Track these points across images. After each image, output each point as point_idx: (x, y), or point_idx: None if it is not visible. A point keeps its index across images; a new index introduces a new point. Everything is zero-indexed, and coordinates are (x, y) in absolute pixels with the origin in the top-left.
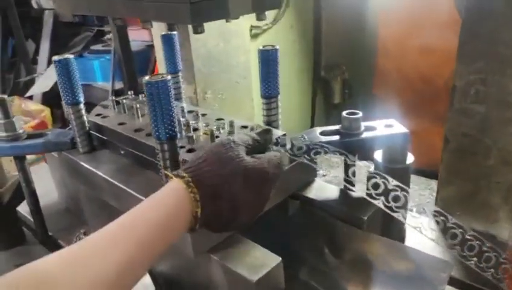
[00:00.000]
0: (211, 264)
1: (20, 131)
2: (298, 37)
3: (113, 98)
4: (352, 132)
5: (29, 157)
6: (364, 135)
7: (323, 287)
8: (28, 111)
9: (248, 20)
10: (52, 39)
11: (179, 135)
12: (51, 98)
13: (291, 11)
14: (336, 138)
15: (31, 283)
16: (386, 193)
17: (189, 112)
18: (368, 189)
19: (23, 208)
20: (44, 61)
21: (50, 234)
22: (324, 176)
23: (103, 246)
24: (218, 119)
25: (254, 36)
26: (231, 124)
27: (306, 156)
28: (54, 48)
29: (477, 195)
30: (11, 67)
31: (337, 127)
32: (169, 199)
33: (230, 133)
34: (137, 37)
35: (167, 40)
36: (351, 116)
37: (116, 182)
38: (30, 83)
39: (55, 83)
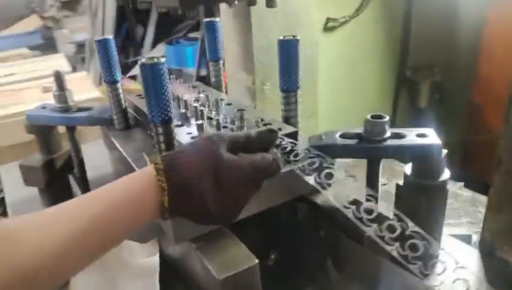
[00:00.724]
0: (191, 253)
1: (71, 104)
2: (383, 33)
3: None
4: (375, 137)
5: None
6: (388, 142)
7: None
8: (127, 90)
9: (323, 11)
10: (158, 25)
11: (173, 119)
12: None
13: (376, 3)
14: (354, 142)
15: None
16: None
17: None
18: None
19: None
20: (149, 45)
21: None
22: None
23: (60, 216)
24: (240, 110)
25: (330, 29)
26: (241, 116)
27: (301, 165)
28: (158, 33)
29: None
30: (123, 49)
31: (359, 130)
32: (135, 182)
33: (240, 127)
34: None
35: (210, 27)
36: (373, 120)
37: (128, 159)
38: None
39: None
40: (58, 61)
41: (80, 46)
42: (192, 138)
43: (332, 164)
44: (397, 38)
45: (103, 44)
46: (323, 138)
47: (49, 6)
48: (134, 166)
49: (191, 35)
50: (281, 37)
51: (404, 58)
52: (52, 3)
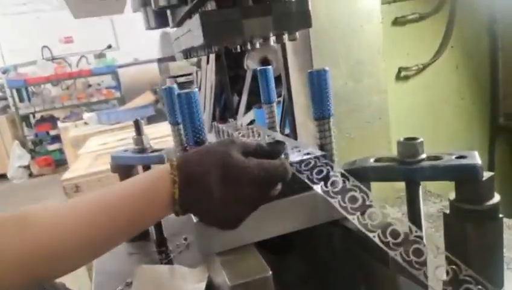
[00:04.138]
0: (216, 265)
1: (147, 146)
2: (466, 80)
3: (216, 123)
4: (409, 159)
5: None
6: (423, 163)
7: None
8: None
9: (394, 61)
10: (252, 94)
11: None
12: None
13: (455, 51)
14: (386, 164)
15: (15, 218)
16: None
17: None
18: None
19: None
20: (242, 111)
21: (165, 235)
22: None
23: (78, 203)
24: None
25: (404, 78)
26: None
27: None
28: (252, 101)
29: None
30: (222, 118)
31: (394, 155)
32: (150, 176)
33: None
34: None
35: (263, 73)
36: (405, 141)
37: None
38: None
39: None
40: (162, 128)
41: None
42: None
43: (357, 186)
44: (484, 84)
45: (168, 92)
46: (357, 162)
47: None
48: None
49: (279, 99)
50: (310, 70)
51: (494, 105)
52: (170, 84)
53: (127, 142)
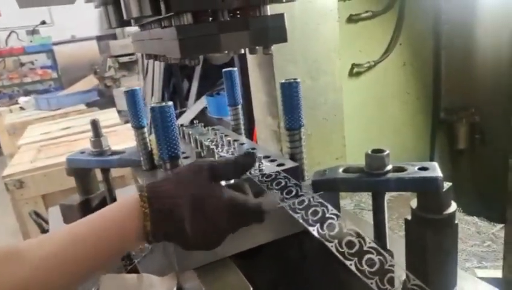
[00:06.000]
0: (194, 281)
1: (106, 148)
2: (412, 77)
3: (179, 124)
4: (376, 171)
5: None
6: (389, 176)
7: None
8: None
9: (347, 58)
10: (203, 79)
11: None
12: None
13: (403, 48)
14: (355, 176)
15: (7, 253)
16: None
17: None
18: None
19: None
20: (193, 97)
21: None
22: None
23: (56, 240)
24: (240, 145)
25: (356, 74)
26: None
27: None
28: (203, 86)
29: None
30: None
31: (362, 165)
32: (120, 210)
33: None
34: None
35: (228, 75)
36: (373, 154)
37: None
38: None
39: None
40: (110, 115)
41: None
42: None
43: (320, 201)
44: (428, 81)
45: (131, 94)
46: (327, 172)
47: (108, 67)
48: None
49: None
50: (283, 80)
51: (436, 100)
52: (111, 64)
53: (72, 131)
